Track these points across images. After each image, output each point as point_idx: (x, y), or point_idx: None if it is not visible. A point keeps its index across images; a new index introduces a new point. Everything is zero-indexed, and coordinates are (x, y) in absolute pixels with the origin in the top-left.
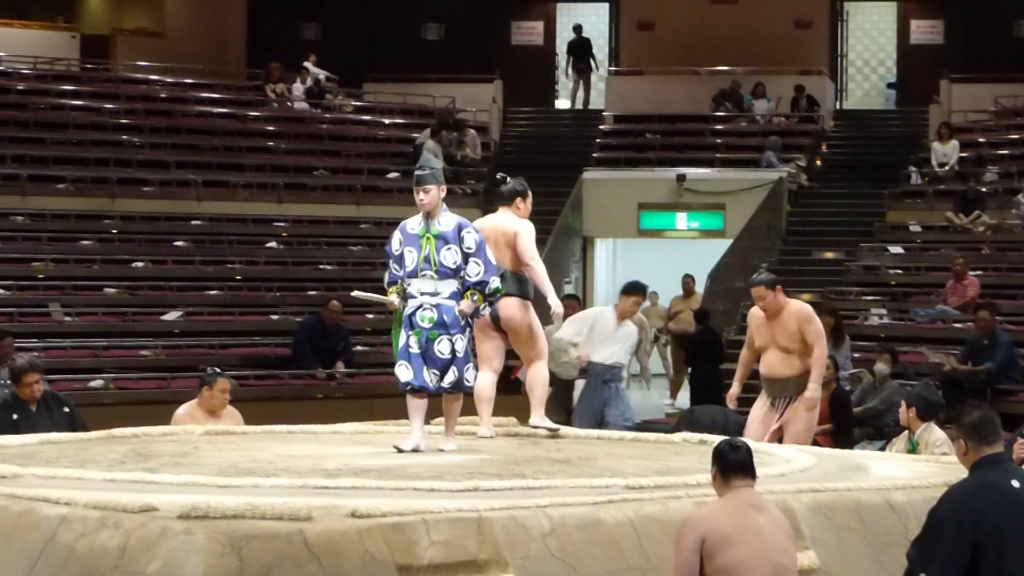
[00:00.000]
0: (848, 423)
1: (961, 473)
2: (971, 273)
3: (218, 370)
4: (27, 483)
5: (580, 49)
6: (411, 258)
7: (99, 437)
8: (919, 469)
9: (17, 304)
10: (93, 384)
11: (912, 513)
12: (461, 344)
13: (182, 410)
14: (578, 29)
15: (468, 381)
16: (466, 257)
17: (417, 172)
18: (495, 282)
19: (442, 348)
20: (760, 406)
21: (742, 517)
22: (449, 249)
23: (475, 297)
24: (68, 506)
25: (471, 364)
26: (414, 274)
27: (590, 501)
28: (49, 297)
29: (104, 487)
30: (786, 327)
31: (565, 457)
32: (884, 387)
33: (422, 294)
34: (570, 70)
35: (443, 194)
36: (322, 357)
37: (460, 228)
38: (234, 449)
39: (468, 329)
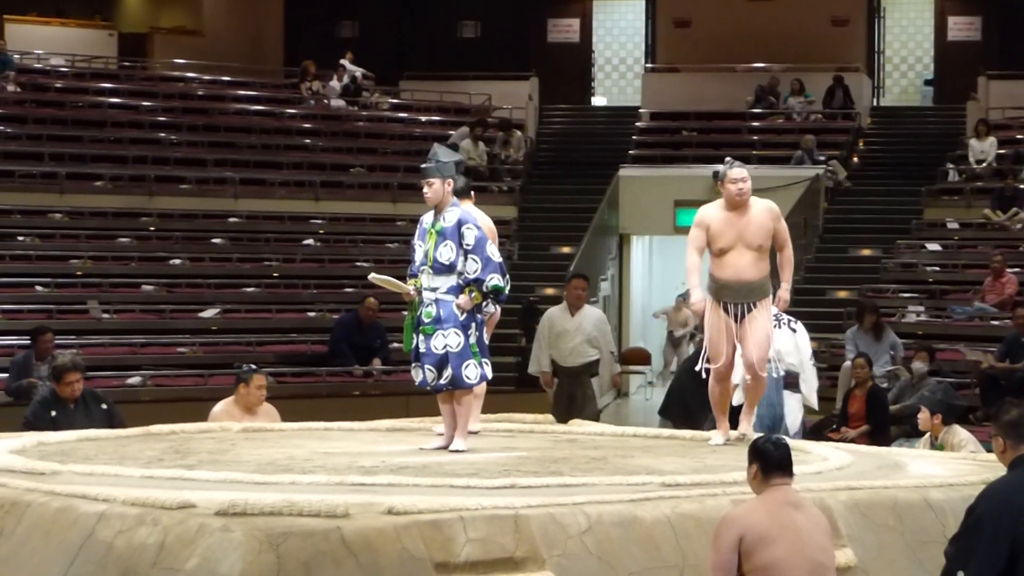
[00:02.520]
0: (884, 421)
1: (999, 471)
2: (1009, 270)
3: (254, 367)
4: (65, 480)
5: None
6: (419, 253)
7: (137, 434)
8: (957, 467)
9: (56, 301)
10: (131, 381)
11: (950, 511)
12: (455, 339)
13: (219, 407)
14: None
15: (469, 378)
16: (465, 254)
17: (422, 165)
18: (493, 280)
19: (436, 343)
20: (716, 318)
21: (780, 515)
22: (446, 245)
23: (472, 294)
24: (106, 503)
25: (471, 361)
26: (420, 269)
27: (627, 499)
28: (87, 294)
29: (142, 484)
30: (759, 223)
31: (602, 455)
32: (921, 385)
33: (425, 289)
34: None
35: (450, 187)
36: (359, 354)
37: (460, 224)
38: (271, 446)
39: (470, 326)
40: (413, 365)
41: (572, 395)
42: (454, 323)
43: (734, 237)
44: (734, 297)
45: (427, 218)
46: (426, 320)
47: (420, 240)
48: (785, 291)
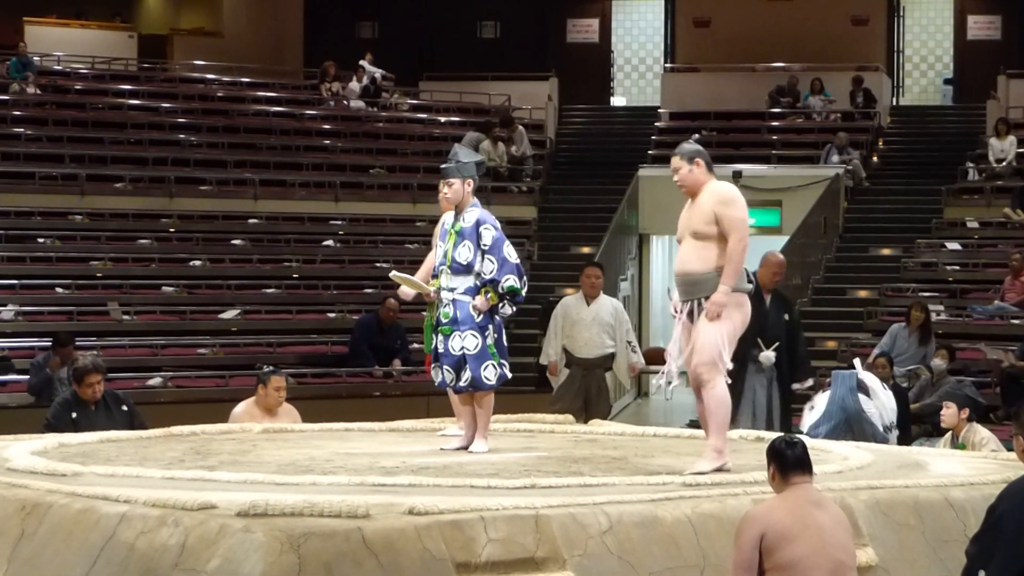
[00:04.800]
0: (906, 420)
1: (1020, 469)
2: None
3: (272, 368)
4: (87, 481)
5: None
6: (440, 253)
7: (158, 435)
8: (977, 466)
9: (76, 303)
10: (151, 382)
11: (971, 510)
12: (472, 341)
13: (240, 408)
14: None
15: (488, 379)
16: (483, 254)
17: (442, 165)
18: (509, 281)
19: (453, 344)
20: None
21: (802, 513)
22: (464, 245)
23: (488, 295)
24: (128, 504)
25: (490, 362)
26: (439, 269)
27: (648, 498)
28: (108, 296)
29: (163, 485)
30: (701, 209)
31: (622, 455)
32: (941, 383)
33: (443, 290)
34: None
35: (470, 187)
36: (379, 355)
37: (479, 224)
38: (292, 447)
39: (488, 327)
40: (433, 365)
41: (586, 389)
42: (471, 325)
43: (684, 226)
44: (683, 294)
45: (448, 218)
46: (444, 320)
47: (441, 240)
48: (720, 294)
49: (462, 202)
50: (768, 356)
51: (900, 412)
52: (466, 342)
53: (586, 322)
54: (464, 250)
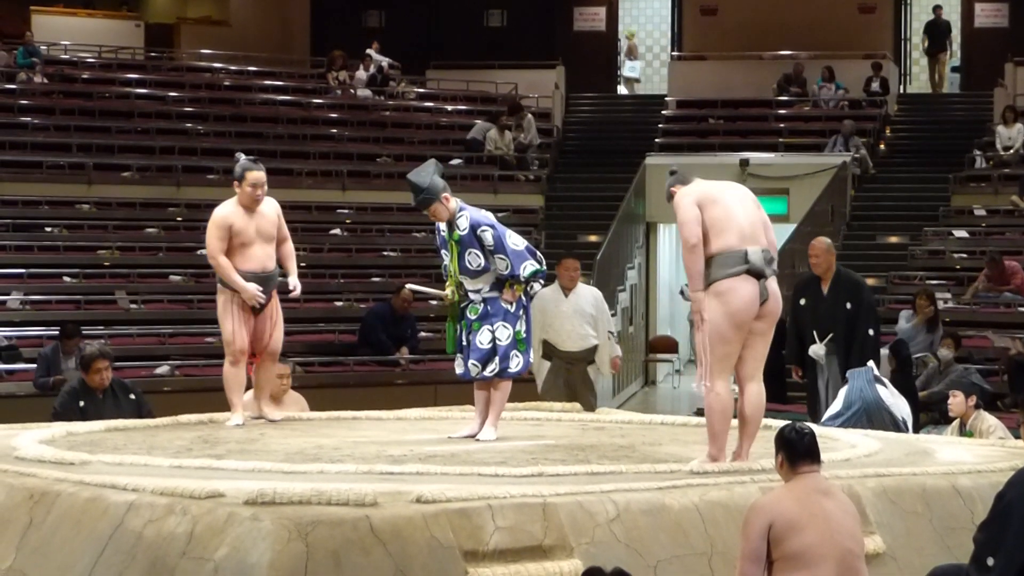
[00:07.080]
0: (913, 408)
1: None
2: None
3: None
4: (95, 470)
5: (937, 31)
6: (449, 264)
7: (166, 424)
8: (985, 453)
9: (83, 292)
10: (159, 371)
11: (979, 498)
12: (504, 332)
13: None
14: (937, 10)
15: (510, 370)
16: (491, 254)
17: (413, 203)
18: (527, 268)
19: (482, 339)
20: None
21: (809, 502)
22: (471, 253)
23: (514, 288)
24: (136, 492)
25: (516, 351)
26: (457, 279)
27: (655, 486)
28: (115, 285)
29: (171, 474)
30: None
31: (629, 443)
32: (949, 371)
33: (471, 292)
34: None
35: (448, 202)
36: (390, 344)
37: (474, 228)
38: (300, 436)
39: (520, 314)
40: (457, 357)
41: (569, 383)
42: (502, 317)
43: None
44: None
45: (443, 226)
46: (472, 316)
47: (444, 249)
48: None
49: (450, 214)
50: (815, 350)
51: (907, 400)
52: (498, 333)
53: (566, 314)
54: (473, 258)
